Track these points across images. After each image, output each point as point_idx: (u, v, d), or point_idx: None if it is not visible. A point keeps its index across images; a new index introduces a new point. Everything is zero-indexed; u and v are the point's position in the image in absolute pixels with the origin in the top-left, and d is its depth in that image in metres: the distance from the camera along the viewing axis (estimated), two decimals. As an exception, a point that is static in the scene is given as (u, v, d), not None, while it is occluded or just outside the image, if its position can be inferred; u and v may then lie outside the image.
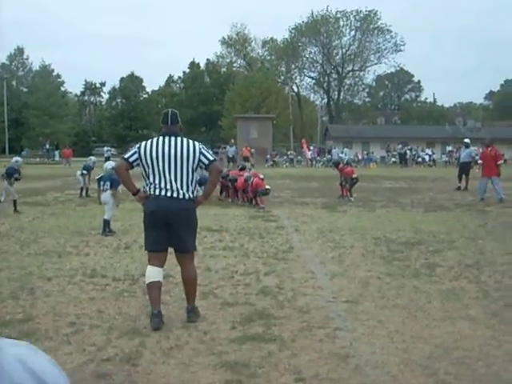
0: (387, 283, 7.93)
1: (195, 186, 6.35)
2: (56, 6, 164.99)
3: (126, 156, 6.51)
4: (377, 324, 6.12)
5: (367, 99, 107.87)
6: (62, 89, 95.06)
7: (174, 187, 6.17)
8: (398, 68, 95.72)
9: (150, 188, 6.26)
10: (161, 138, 6.31)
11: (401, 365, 5.00)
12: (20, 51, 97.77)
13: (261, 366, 4.96)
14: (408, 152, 57.02)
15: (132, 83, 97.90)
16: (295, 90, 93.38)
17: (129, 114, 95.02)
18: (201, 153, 6.26)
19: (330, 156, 54.63)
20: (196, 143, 6.37)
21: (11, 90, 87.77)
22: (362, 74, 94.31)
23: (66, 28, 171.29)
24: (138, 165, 6.37)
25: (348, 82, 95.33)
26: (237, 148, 47.63)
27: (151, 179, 6.25)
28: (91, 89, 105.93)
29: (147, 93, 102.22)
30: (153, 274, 6.24)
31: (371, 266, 9.07)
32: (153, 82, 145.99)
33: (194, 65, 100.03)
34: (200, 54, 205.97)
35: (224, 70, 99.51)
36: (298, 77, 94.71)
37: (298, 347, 5.41)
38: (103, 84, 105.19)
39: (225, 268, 8.80)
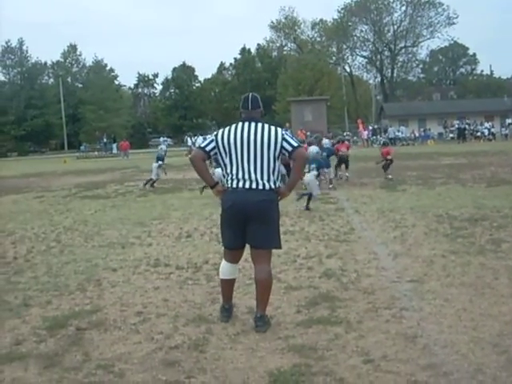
0: (452, 261, 7.80)
1: (277, 176, 5.72)
2: (103, 1, 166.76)
3: (203, 145, 5.92)
4: (444, 303, 6.02)
5: (421, 75, 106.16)
6: (116, 82, 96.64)
7: (253, 178, 5.59)
8: (451, 41, 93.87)
9: (227, 180, 5.72)
10: (240, 124, 5.73)
11: (470, 343, 4.91)
12: (73, 48, 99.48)
13: (328, 348, 4.94)
14: (466, 127, 55.90)
15: (184, 73, 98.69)
16: (347, 70, 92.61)
17: (183, 104, 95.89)
18: (283, 139, 5.65)
19: (387, 134, 53.99)
20: (278, 129, 5.76)
21: (67, 86, 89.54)
22: (414, 49, 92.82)
23: (116, 22, 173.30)
24: (215, 154, 5.81)
25: (401, 59, 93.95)
26: (292, 132, 47.51)
27: (228, 169, 5.71)
28: (144, 81, 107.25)
29: (200, 82, 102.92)
30: (228, 271, 5.94)
31: (434, 244, 8.94)
32: (205, 71, 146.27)
33: (244, 51, 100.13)
34: (250, 39, 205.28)
35: (275, 54, 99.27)
36: (350, 57, 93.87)
37: (364, 329, 5.37)
38: (156, 75, 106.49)
39: (287, 252, 8.78)
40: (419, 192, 15.81)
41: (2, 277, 8.14)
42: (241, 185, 5.60)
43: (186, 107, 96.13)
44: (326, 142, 23.22)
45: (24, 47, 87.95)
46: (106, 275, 7.95)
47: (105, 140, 65.95)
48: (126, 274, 7.99)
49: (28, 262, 9.06)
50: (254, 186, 5.57)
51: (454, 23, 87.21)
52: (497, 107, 72.74)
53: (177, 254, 9.09)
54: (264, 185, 5.58)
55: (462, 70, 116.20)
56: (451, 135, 57.88)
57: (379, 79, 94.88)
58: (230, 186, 5.68)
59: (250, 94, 5.91)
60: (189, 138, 53.15)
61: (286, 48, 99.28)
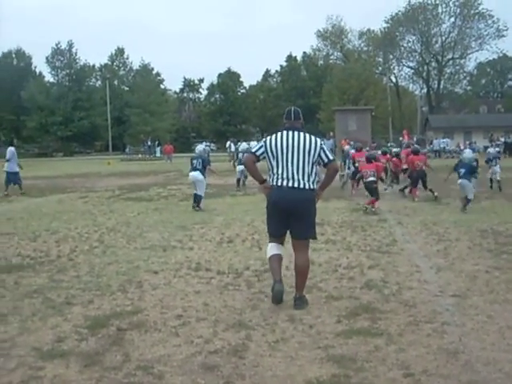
0: (496, 277, 7.68)
1: (315, 178, 6.71)
2: (152, 6, 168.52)
3: (254, 150, 6.99)
4: (486, 319, 5.93)
5: (468, 87, 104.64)
6: (162, 86, 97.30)
7: (296, 178, 6.55)
8: (500, 54, 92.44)
9: (273, 179, 6.71)
10: (285, 132, 6.72)
11: (514, 362, 4.83)
12: (120, 51, 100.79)
13: (368, 360, 4.90)
14: (514, 141, 54.96)
15: (230, 79, 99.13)
16: (393, 80, 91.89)
17: (227, 110, 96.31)
18: (321, 149, 6.69)
19: (431, 146, 53.42)
20: (317, 139, 6.78)
21: (113, 89, 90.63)
22: (462, 61, 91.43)
23: (164, 26, 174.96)
24: (264, 158, 6.81)
25: (448, 71, 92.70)
26: (334, 141, 47.45)
27: (275, 170, 6.70)
28: (190, 86, 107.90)
29: (245, 88, 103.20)
30: (273, 249, 6.83)
31: (478, 259, 8.82)
32: (250, 77, 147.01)
33: (290, 58, 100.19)
34: (297, 47, 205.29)
35: (321, 62, 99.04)
36: (396, 67, 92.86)
37: (405, 342, 5.31)
38: (201, 80, 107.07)
39: (328, 261, 8.76)
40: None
41: (45, 275, 8.27)
42: (285, 183, 6.58)
43: (230, 113, 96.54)
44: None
45: (73, 49, 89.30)
46: (148, 277, 8.01)
47: (149, 143, 66.49)
48: (167, 276, 8.04)
49: (71, 261, 9.19)
50: (296, 185, 6.56)
51: (503, 36, 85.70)
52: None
53: (218, 259, 9.12)
54: (305, 184, 6.57)
55: (511, 83, 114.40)
56: (497, 149, 56.93)
57: (425, 90, 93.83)
58: (275, 184, 6.67)
59: (293, 108, 6.99)
60: (232, 144, 53.30)
61: (332, 57, 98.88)
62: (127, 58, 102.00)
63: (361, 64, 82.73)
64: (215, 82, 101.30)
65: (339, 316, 6.10)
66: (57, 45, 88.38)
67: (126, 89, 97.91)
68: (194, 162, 16.08)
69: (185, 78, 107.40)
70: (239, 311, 6.35)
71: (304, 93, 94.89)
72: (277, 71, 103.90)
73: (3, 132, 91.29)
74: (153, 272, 8.31)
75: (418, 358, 4.93)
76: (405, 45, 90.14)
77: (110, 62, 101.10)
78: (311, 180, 6.64)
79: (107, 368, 4.83)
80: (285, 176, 6.59)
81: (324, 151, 6.70)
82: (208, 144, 55.64)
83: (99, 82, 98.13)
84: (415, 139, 30.83)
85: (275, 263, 6.74)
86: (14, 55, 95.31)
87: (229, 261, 9.00)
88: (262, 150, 6.80)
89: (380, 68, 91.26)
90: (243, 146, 53.24)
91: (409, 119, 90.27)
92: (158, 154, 62.64)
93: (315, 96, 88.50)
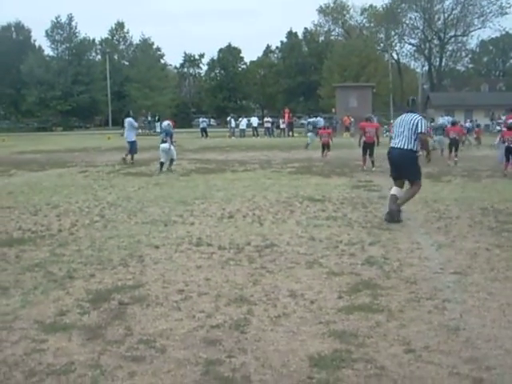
0: (497, 255, 7.68)
1: (415, 143, 10.13)
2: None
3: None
4: (487, 296, 5.94)
5: (470, 65, 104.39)
6: (162, 61, 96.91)
7: (402, 142, 10.18)
8: (503, 32, 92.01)
9: (392, 142, 10.61)
10: (404, 114, 10.55)
11: (514, 338, 4.85)
12: (120, 25, 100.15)
13: (369, 336, 4.92)
14: (515, 120, 54.73)
15: (230, 54, 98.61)
16: (395, 57, 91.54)
17: (227, 85, 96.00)
18: (417, 124, 10.07)
19: (437, 123, 53.30)
20: (418, 117, 10.25)
21: (113, 63, 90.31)
22: (464, 39, 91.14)
23: (164, 1, 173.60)
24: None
25: (450, 48, 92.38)
26: (336, 118, 47.94)
27: (394, 137, 10.58)
28: (190, 61, 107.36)
29: (245, 63, 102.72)
30: (394, 190, 10.40)
31: (479, 237, 8.81)
32: (251, 53, 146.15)
33: (291, 34, 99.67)
34: (297, 23, 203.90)
35: (322, 38, 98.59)
36: (398, 44, 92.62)
37: (406, 318, 5.33)
38: (202, 56, 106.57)
39: (329, 238, 8.76)
40: (464, 184, 15.60)
41: (47, 248, 8.28)
42: (395, 144, 10.36)
43: (230, 89, 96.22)
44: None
45: (73, 23, 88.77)
46: (149, 252, 8.02)
47: (149, 118, 66.25)
48: (169, 251, 8.05)
49: (72, 235, 9.20)
50: (400, 145, 10.21)
51: (506, 13, 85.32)
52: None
53: (219, 234, 9.12)
54: (407, 146, 10.13)
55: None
56: (498, 128, 56.79)
57: (427, 68, 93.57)
58: (391, 144, 10.59)
59: (410, 98, 11.25)
60: (232, 120, 53.25)
61: (333, 33, 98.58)
62: (127, 33, 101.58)
63: (362, 40, 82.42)
64: (216, 58, 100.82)
65: (340, 292, 6.11)
66: (56, 18, 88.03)
67: (126, 63, 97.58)
68: (162, 135, 20.24)
69: (185, 53, 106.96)
70: (241, 286, 6.36)
71: (304, 69, 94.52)
72: (277, 47, 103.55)
73: (2, 106, 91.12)
74: (154, 246, 8.32)
75: (419, 335, 4.94)
76: (407, 21, 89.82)
77: (110, 37, 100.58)
78: (412, 144, 10.10)
79: (109, 341, 4.85)
80: (397, 141, 10.28)
81: (417, 125, 10.04)
82: (204, 119, 55.53)
83: (99, 57, 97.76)
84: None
85: (392, 200, 10.12)
86: (13, 29, 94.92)
87: (230, 236, 9.00)
88: (393, 124, 10.84)
89: (382, 45, 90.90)
90: (243, 122, 53.45)
91: (410, 96, 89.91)
92: (157, 130, 62.45)
93: (316, 72, 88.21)
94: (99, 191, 14.67)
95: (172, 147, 19.63)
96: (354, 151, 24.74)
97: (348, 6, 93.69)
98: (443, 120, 30.62)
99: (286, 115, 53.16)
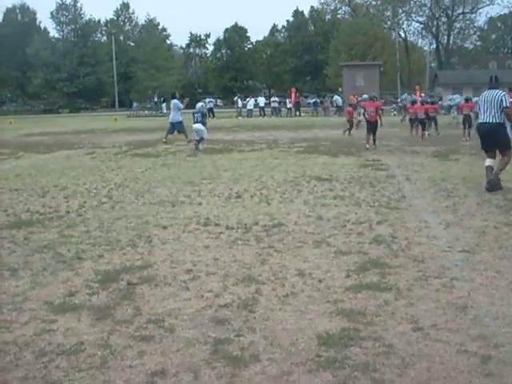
0: (505, 233, 7.66)
1: (500, 115, 11.10)
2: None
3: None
4: (495, 274, 5.93)
5: (478, 43, 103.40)
6: (168, 42, 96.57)
7: (490, 116, 11.17)
8: (511, 8, 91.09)
9: (479, 118, 11.60)
10: (488, 90, 11.47)
11: (522, 316, 4.85)
12: (125, 6, 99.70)
13: (377, 314, 4.92)
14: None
15: (236, 34, 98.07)
16: (402, 35, 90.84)
17: (234, 65, 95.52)
18: (500, 99, 11.10)
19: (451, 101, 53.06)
20: (501, 92, 11.29)
21: (119, 44, 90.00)
22: (473, 16, 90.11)
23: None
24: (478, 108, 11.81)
25: (458, 26, 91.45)
26: (342, 96, 47.64)
27: (481, 112, 11.40)
28: (196, 41, 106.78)
29: (252, 43, 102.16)
30: (488, 161, 11.19)
31: (487, 215, 8.79)
32: (257, 33, 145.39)
33: (297, 13, 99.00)
34: (304, 1, 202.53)
35: (328, 17, 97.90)
36: (405, 22, 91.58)
37: (414, 296, 5.33)
38: (208, 36, 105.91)
39: (336, 217, 8.76)
40: (472, 162, 15.50)
41: (55, 230, 8.31)
42: (483, 119, 11.33)
43: (236, 69, 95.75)
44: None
45: (78, 4, 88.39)
46: (157, 232, 8.05)
47: (155, 99, 66.14)
48: (176, 231, 8.07)
49: (80, 217, 9.23)
50: (488, 120, 11.20)
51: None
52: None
53: (227, 214, 9.13)
54: (495, 120, 11.12)
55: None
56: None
57: (434, 46, 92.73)
58: (479, 120, 11.65)
59: (494, 75, 11.83)
60: (239, 100, 53.13)
61: (339, 11, 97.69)
62: (133, 13, 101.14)
63: (369, 19, 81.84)
64: (222, 38, 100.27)
65: (348, 271, 6.11)
66: (61, 0, 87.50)
67: (132, 44, 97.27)
68: (196, 115, 20.93)
69: (191, 33, 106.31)
70: (248, 266, 6.38)
71: (311, 48, 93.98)
72: (284, 26, 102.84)
73: (9, 89, 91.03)
74: (162, 227, 8.34)
75: (427, 313, 4.95)
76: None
77: (115, 17, 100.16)
78: (499, 118, 11.09)
79: (118, 321, 4.88)
80: (485, 116, 11.22)
81: (501, 100, 11.06)
82: (211, 100, 55.29)
83: (105, 38, 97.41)
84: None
85: (489, 170, 11.02)
86: (18, 11, 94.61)
87: (237, 216, 9.01)
88: (478, 100, 12.38)
89: (389, 23, 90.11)
90: (251, 102, 53.30)
91: (417, 75, 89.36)
92: (164, 111, 62.35)
93: (322, 51, 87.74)
94: (106, 172, 14.69)
95: (203, 127, 20.69)
96: (361, 130, 24.66)
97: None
98: (461, 98, 32.74)
99: (293, 95, 52.97)
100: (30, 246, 7.41)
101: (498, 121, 11.07)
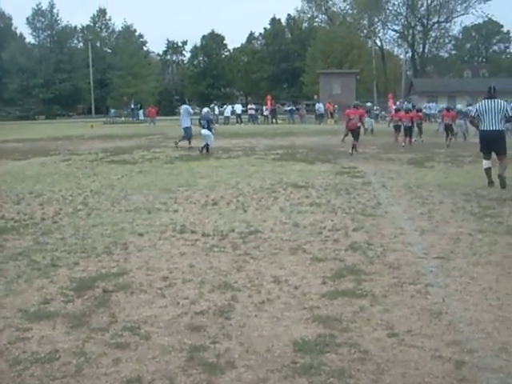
0: (479, 240, 7.74)
1: (503, 124, 12.42)
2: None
3: (472, 113, 13.24)
4: (469, 281, 5.99)
5: (453, 52, 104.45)
6: (145, 48, 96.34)
7: (493, 124, 12.15)
8: (486, 18, 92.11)
9: (482, 126, 12.38)
10: (487, 100, 12.38)
11: (495, 322, 4.89)
12: (102, 12, 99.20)
13: (353, 320, 4.95)
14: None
15: (213, 41, 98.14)
16: (378, 43, 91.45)
17: (211, 72, 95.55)
18: (506, 109, 12.19)
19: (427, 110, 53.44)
20: (504, 103, 12.41)
21: (95, 51, 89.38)
22: (447, 25, 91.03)
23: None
24: (477, 116, 12.51)
25: (433, 35, 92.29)
26: (324, 104, 48.37)
27: (482, 121, 12.31)
28: (173, 48, 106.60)
29: (229, 50, 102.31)
30: (486, 163, 12.47)
31: (462, 222, 8.88)
32: (234, 40, 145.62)
33: (274, 21, 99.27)
34: (281, 9, 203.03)
35: (305, 25, 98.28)
36: (382, 30, 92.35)
37: (389, 303, 5.37)
38: (185, 43, 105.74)
39: (313, 224, 8.79)
40: (447, 169, 15.68)
41: (30, 237, 8.25)
42: (488, 128, 12.24)
43: (213, 76, 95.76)
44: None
45: (54, 10, 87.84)
46: (133, 239, 8.02)
47: (132, 106, 65.86)
48: (152, 238, 8.05)
49: (56, 224, 9.17)
50: (493, 128, 12.17)
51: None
52: (530, 87, 71.25)
53: (203, 222, 9.12)
54: (499, 127, 12.22)
55: (495, 48, 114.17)
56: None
57: (410, 54, 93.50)
58: (482, 128, 12.42)
59: (492, 85, 12.73)
60: (216, 107, 53.09)
61: (316, 19, 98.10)
62: (109, 20, 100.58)
63: (345, 27, 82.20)
64: (199, 45, 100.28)
65: (324, 277, 6.14)
66: (37, 5, 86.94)
67: (109, 51, 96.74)
68: (203, 122, 21.89)
69: (168, 40, 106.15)
70: (225, 273, 6.38)
71: (288, 56, 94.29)
72: (261, 34, 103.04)
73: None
74: (138, 234, 8.31)
75: (402, 319, 4.98)
76: (390, 8, 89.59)
77: (92, 24, 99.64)
78: (501, 126, 12.27)
79: (94, 329, 4.85)
80: (487, 125, 12.19)
81: (507, 110, 12.18)
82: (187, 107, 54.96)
83: (81, 44, 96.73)
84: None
85: (488, 172, 12.37)
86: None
87: (214, 223, 9.01)
88: (475, 111, 12.74)
89: (365, 31, 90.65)
90: (228, 109, 53.23)
91: (393, 83, 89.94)
92: (141, 117, 62.10)
93: (299, 59, 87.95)
94: (82, 179, 14.61)
95: (210, 133, 21.47)
96: (337, 138, 24.78)
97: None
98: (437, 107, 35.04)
99: (269, 102, 53.03)
100: (4, 254, 7.35)
101: (500, 128, 12.26)
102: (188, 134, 24.24)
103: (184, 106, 25.73)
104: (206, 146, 21.08)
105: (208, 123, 21.70)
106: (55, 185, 13.60)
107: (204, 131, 21.39)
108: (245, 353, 4.37)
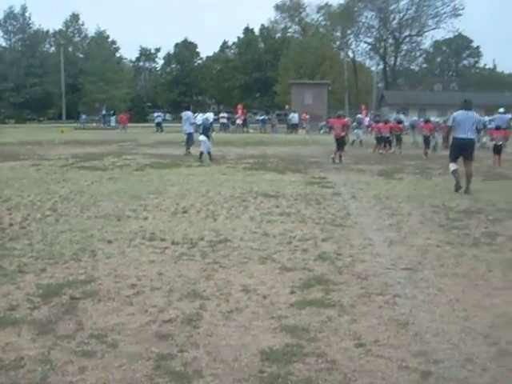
0: (446, 251, 7.82)
1: (475, 133, 13.94)
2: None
3: (449, 122, 14.58)
4: (437, 292, 6.05)
5: (424, 65, 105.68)
6: (118, 55, 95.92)
7: (466, 133, 13.49)
8: (456, 33, 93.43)
9: (457, 133, 13.67)
10: (463, 111, 13.77)
11: (462, 333, 4.94)
12: (75, 17, 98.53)
13: (320, 330, 4.97)
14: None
15: (186, 49, 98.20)
16: (350, 55, 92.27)
17: (183, 80, 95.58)
18: (478, 120, 14.06)
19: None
20: (477, 115, 14.24)
21: (67, 56, 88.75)
22: (419, 39, 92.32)
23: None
24: (454, 124, 13.86)
25: (405, 48, 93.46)
26: (298, 114, 49.07)
27: (457, 130, 13.65)
28: (146, 55, 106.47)
29: (201, 59, 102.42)
30: (453, 165, 13.64)
31: (430, 233, 8.96)
32: (207, 48, 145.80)
33: (248, 30, 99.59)
34: (254, 19, 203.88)
35: (278, 35, 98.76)
36: (354, 42, 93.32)
37: (357, 313, 5.39)
38: (158, 50, 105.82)
39: (282, 233, 8.80)
40: (416, 181, 15.84)
41: (-3, 242, 8.14)
42: (462, 136, 13.52)
43: (186, 83, 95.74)
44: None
45: (27, 14, 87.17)
46: (101, 246, 7.96)
47: (103, 112, 65.51)
48: (121, 246, 7.99)
49: (23, 229, 9.06)
50: (467, 136, 13.53)
51: (459, 14, 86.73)
52: (498, 102, 72.14)
53: (172, 229, 9.09)
54: (472, 136, 13.67)
55: (465, 62, 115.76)
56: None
57: (382, 66, 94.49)
58: (457, 136, 13.73)
59: (467, 99, 14.22)
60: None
61: (289, 30, 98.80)
62: (82, 25, 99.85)
63: (318, 38, 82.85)
64: (172, 52, 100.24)
65: (293, 287, 6.15)
66: (10, 8, 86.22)
67: (81, 56, 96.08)
68: (200, 128, 22.78)
69: (141, 47, 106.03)
70: (193, 281, 6.36)
71: (261, 65, 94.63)
72: (234, 43, 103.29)
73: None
74: (106, 241, 8.25)
75: (370, 329, 5.01)
76: (363, 20, 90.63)
77: (64, 29, 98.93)
78: (473, 134, 13.71)
79: (60, 336, 4.80)
80: (462, 133, 13.48)
81: (479, 121, 14.28)
82: (159, 114, 54.62)
83: (53, 49, 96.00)
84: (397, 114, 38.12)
85: (456, 174, 13.54)
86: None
87: (183, 231, 8.98)
88: (452, 120, 13.96)
89: (337, 43, 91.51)
90: (199, 117, 53.07)
91: (365, 94, 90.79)
92: (112, 124, 61.78)
93: (272, 69, 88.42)
94: (52, 185, 14.46)
95: (206, 139, 21.45)
96: (308, 148, 24.89)
97: (304, 3, 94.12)
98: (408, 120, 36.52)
99: (240, 111, 53.13)
100: (-30, 259, 7.24)
101: (473, 136, 13.83)
102: (189, 141, 24.52)
103: (186, 113, 26.05)
104: (205, 153, 21.20)
105: (205, 129, 21.96)
106: (24, 190, 13.44)
107: (200, 137, 21.74)
108: (212, 362, 4.36)
